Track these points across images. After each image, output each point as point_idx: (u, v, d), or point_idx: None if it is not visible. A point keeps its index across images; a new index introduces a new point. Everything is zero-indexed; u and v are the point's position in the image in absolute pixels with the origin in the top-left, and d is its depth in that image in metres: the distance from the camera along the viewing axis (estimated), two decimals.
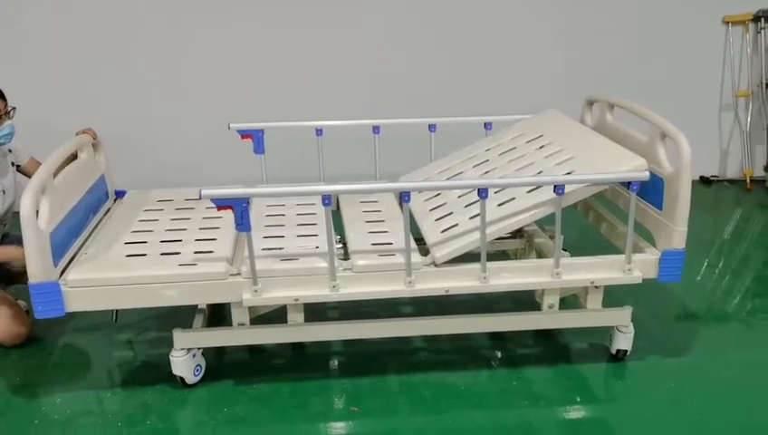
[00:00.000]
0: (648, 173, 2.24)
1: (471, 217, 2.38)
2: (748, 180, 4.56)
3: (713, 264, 3.42)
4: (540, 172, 2.49)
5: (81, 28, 3.94)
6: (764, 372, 2.51)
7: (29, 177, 2.77)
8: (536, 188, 2.36)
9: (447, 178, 2.77)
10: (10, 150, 2.77)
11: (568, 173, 2.39)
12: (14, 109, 2.66)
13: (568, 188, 2.25)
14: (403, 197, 2.17)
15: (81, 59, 4.00)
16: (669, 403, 2.33)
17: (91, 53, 4.00)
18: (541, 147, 2.67)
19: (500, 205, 2.36)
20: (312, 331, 2.39)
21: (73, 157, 2.57)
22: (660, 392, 2.39)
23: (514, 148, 2.77)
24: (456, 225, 2.38)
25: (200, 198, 2.05)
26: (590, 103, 2.97)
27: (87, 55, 4.00)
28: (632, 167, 2.29)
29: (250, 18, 4.05)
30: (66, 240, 2.28)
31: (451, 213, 2.48)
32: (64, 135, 2.62)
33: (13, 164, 2.78)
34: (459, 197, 2.54)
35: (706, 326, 2.83)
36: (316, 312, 2.62)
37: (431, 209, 2.56)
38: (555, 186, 2.19)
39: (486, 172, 2.68)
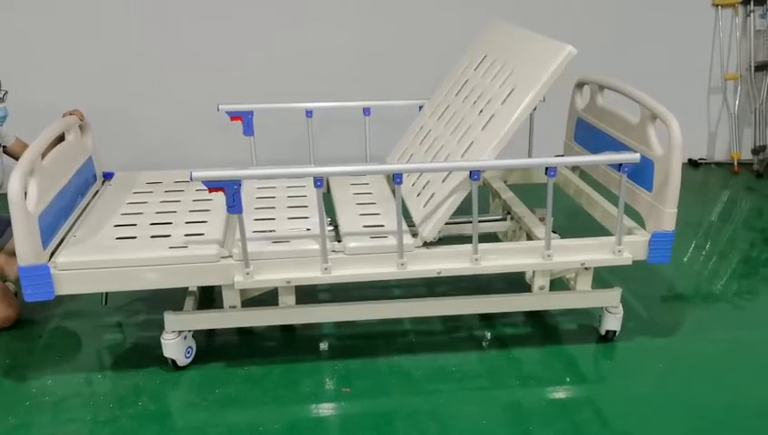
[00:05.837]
0: (638, 154, 2.25)
1: (443, 181, 2.34)
2: (735, 163, 4.59)
3: (700, 245, 3.45)
4: (489, 101, 2.43)
5: (67, 7, 3.88)
6: (749, 350, 2.55)
7: (14, 158, 2.75)
8: (490, 120, 2.33)
9: (421, 143, 2.75)
10: None
11: (511, 91, 2.33)
12: (6, 93, 2.66)
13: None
14: (395, 178, 2.17)
15: (67, 38, 3.94)
16: (658, 382, 2.37)
17: (76, 33, 3.94)
18: (485, 70, 2.65)
19: (462, 155, 2.35)
20: (304, 313, 2.40)
21: (60, 138, 2.54)
22: (649, 372, 2.42)
23: (467, 81, 2.74)
24: (434, 194, 2.36)
25: (191, 180, 2.04)
26: (581, 85, 2.97)
27: (72, 35, 3.94)
28: (564, 56, 2.20)
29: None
30: (55, 223, 2.26)
31: (428, 181, 2.45)
32: (49, 115, 2.59)
33: None
34: (432, 160, 2.53)
35: (694, 307, 2.86)
36: (307, 294, 2.62)
37: (413, 184, 2.55)
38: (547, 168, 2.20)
39: (451, 118, 2.66)
